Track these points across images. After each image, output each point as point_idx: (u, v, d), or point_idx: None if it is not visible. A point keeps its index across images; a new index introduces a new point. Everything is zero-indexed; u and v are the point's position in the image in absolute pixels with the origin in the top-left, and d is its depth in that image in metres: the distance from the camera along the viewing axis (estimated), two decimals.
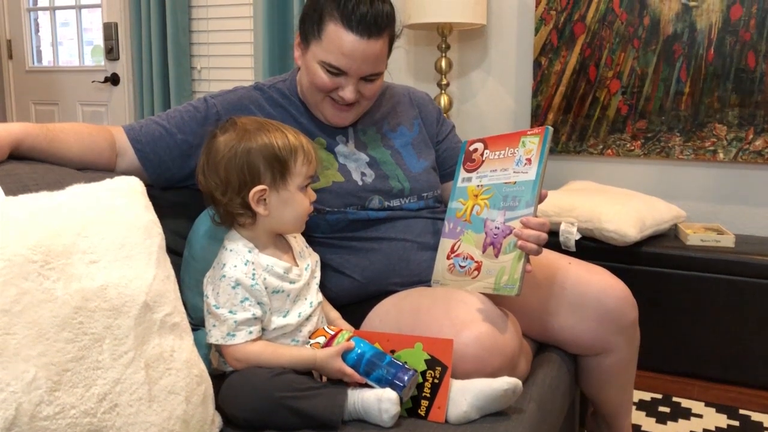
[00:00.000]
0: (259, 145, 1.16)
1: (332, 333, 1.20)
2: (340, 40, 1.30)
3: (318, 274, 1.28)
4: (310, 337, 1.21)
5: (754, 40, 2.35)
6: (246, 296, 1.13)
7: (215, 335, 1.14)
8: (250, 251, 1.17)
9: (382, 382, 1.11)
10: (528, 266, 1.21)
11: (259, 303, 1.15)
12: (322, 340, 1.19)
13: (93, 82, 3.68)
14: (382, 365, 1.12)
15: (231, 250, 1.17)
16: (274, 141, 1.16)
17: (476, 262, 1.29)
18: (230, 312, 1.13)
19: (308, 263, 1.26)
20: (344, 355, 1.13)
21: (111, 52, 3.60)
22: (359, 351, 1.14)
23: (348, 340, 1.16)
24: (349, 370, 1.12)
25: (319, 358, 1.13)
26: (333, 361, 1.13)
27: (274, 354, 1.14)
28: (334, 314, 1.33)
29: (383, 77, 1.41)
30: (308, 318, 1.21)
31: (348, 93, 1.35)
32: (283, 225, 1.21)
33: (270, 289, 1.16)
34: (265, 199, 1.16)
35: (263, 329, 1.17)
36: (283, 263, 1.19)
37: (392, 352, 1.19)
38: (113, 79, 3.63)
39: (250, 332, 1.14)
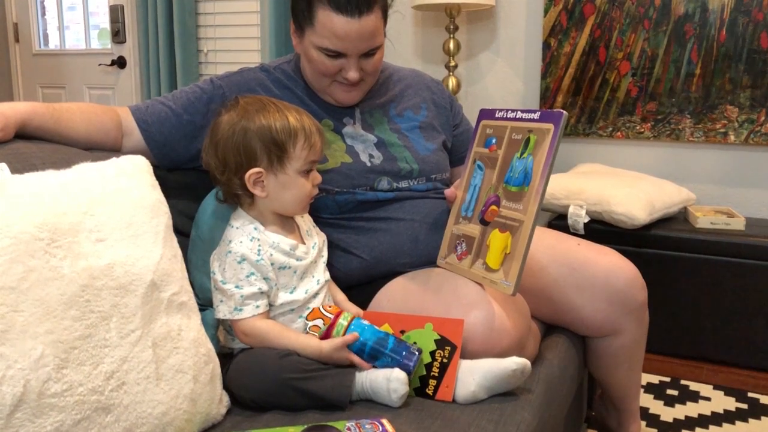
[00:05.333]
0: (257, 127, 1.14)
1: (331, 316, 1.15)
2: (331, 24, 1.29)
3: (325, 253, 1.28)
4: (307, 318, 1.17)
5: None
6: (252, 271, 1.13)
7: (223, 310, 1.14)
8: (255, 228, 1.17)
9: (390, 366, 1.11)
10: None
11: (264, 278, 1.14)
12: (320, 323, 1.15)
13: (100, 65, 3.68)
14: (386, 352, 1.11)
15: (237, 228, 1.17)
16: (272, 123, 1.15)
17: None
18: (236, 287, 1.13)
19: (315, 241, 1.25)
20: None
21: (117, 35, 3.59)
22: (362, 340, 1.12)
23: (350, 322, 1.15)
24: (357, 359, 1.12)
25: (325, 351, 1.11)
26: (339, 354, 1.11)
27: (281, 334, 1.14)
28: (341, 296, 1.32)
29: (383, 49, 1.40)
30: (315, 295, 1.21)
31: (352, 73, 1.35)
32: (283, 207, 1.20)
33: (276, 265, 1.16)
34: (262, 181, 1.16)
35: (270, 305, 1.17)
36: (289, 240, 1.19)
37: (402, 332, 1.18)
38: (120, 63, 3.63)
39: (257, 306, 1.14)
